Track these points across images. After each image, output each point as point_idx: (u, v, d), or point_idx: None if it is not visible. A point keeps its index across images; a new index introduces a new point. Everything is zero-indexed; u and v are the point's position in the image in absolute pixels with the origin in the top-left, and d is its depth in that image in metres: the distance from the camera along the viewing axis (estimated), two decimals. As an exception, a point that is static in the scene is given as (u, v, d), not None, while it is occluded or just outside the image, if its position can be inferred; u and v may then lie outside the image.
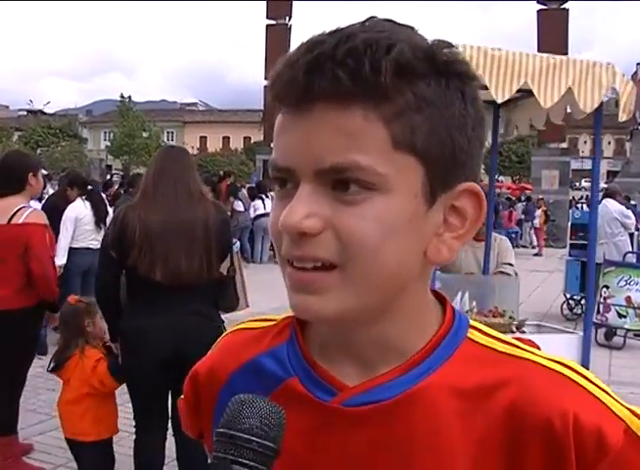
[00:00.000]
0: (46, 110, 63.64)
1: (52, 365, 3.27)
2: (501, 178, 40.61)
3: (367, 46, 0.60)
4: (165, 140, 53.31)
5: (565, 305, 9.57)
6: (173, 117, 66.17)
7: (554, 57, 3.56)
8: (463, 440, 0.66)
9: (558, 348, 3.57)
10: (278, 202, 0.67)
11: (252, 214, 13.80)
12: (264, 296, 7.79)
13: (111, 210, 6.81)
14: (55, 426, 4.31)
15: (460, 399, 0.67)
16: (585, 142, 60.99)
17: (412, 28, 0.65)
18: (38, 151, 42.55)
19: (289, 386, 0.73)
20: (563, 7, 24.06)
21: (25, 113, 64.92)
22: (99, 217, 6.42)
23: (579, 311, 9.50)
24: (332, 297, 0.64)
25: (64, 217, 6.29)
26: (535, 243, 20.61)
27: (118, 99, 49.53)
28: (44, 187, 6.72)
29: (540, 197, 21.58)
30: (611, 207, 8.91)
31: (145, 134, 47.14)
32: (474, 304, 3.82)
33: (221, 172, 16.95)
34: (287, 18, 26.82)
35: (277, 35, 25.48)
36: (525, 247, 20.29)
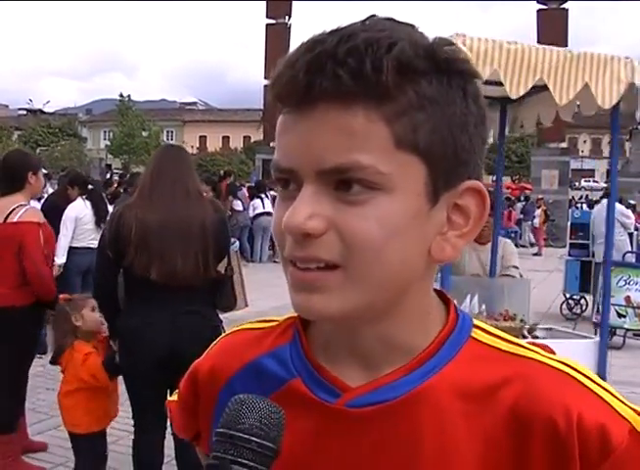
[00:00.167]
0: (46, 109, 63.76)
1: (49, 360, 3.39)
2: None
3: (368, 45, 0.60)
4: (165, 139, 53.30)
5: (564, 305, 9.58)
6: (173, 117, 66.21)
7: (570, 51, 3.40)
8: (469, 438, 0.66)
9: (573, 354, 3.46)
10: (281, 202, 0.66)
11: (252, 214, 13.82)
12: (264, 295, 7.80)
13: (111, 208, 6.81)
14: (54, 425, 4.32)
15: (465, 398, 0.67)
16: (585, 142, 61.04)
17: (412, 27, 0.65)
18: (38, 150, 42.50)
19: (291, 387, 0.73)
20: (562, 7, 24.10)
21: (25, 112, 64.94)
22: (99, 217, 6.41)
23: (579, 311, 9.52)
24: (335, 295, 0.64)
25: (64, 217, 6.29)
26: (533, 242, 20.64)
27: (118, 98, 49.55)
28: (44, 186, 6.72)
29: (540, 196, 21.61)
30: (610, 206, 8.91)
31: (144, 133, 47.16)
32: (483, 307, 3.75)
33: (222, 172, 16.97)
34: (286, 17, 26.90)
35: (277, 34, 25.55)
36: (524, 246, 20.30)
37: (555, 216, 20.81)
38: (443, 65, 0.63)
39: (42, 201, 7.03)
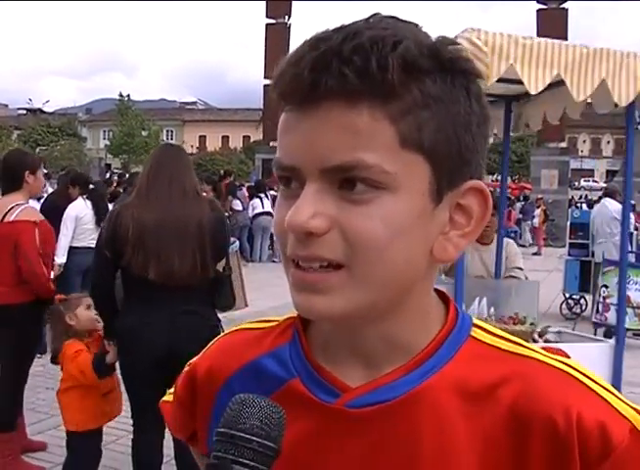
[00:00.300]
0: (45, 108, 63.79)
1: (50, 359, 3.43)
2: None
3: (373, 43, 0.59)
4: (165, 139, 53.28)
5: (564, 305, 9.59)
6: (173, 116, 66.21)
7: (587, 47, 3.29)
8: (468, 438, 0.66)
9: (589, 358, 3.35)
10: (283, 201, 0.66)
11: (251, 213, 13.83)
12: (263, 295, 7.81)
13: (111, 207, 6.81)
14: (54, 425, 4.31)
15: (464, 397, 0.67)
16: (584, 141, 61.05)
17: (416, 25, 0.65)
18: (37, 150, 42.46)
19: (291, 387, 0.72)
20: (562, 7, 24.09)
21: (25, 111, 64.97)
22: (100, 217, 6.40)
23: (578, 311, 9.52)
24: (337, 296, 0.63)
25: (64, 216, 6.28)
26: (532, 242, 20.64)
27: (118, 98, 49.53)
28: (43, 186, 6.71)
29: (539, 196, 21.60)
30: (610, 206, 8.92)
31: (144, 133, 47.14)
32: (492, 310, 3.69)
33: (222, 171, 16.97)
34: (286, 17, 26.90)
35: (277, 34, 25.54)
36: (523, 246, 20.29)
37: (554, 216, 20.81)
38: (447, 64, 0.63)
39: (42, 200, 7.02)
